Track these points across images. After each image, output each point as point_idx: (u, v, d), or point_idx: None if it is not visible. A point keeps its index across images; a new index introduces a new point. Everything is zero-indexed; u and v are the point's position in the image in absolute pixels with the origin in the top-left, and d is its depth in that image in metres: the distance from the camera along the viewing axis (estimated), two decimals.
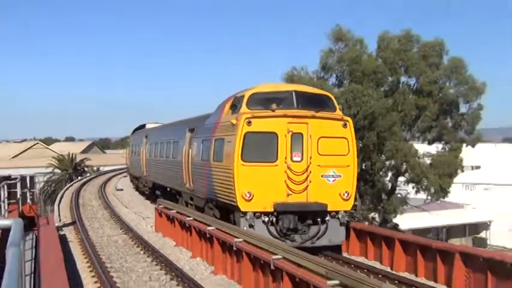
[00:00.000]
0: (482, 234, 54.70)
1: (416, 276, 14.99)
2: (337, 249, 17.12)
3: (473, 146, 42.96)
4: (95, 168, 70.22)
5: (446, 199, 44.38)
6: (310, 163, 15.90)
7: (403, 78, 37.10)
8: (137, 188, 38.66)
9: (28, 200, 24.95)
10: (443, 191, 36.79)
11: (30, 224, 21.46)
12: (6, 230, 5.07)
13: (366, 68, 34.02)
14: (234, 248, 14.41)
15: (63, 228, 22.86)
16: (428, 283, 14.14)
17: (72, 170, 65.35)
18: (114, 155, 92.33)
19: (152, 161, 30.49)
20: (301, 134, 15.93)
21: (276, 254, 12.45)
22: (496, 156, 65.08)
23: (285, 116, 15.92)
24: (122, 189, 41.58)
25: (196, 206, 20.78)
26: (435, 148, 36.85)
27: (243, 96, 17.05)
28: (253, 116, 15.82)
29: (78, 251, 18.64)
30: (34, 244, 16.85)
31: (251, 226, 15.45)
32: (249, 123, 15.61)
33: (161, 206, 23.45)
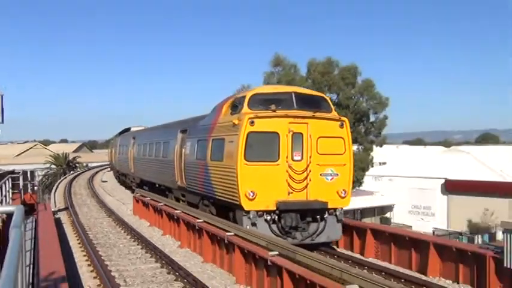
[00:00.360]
0: (387, 215, 55.72)
1: (338, 247, 15.19)
2: None
3: (380, 146, 44.23)
4: (84, 165, 69.07)
5: (360, 188, 45.28)
6: (310, 162, 13.36)
7: (327, 95, 37.84)
8: (123, 182, 36.07)
9: (29, 190, 24.19)
10: (358, 182, 37.64)
11: (30, 210, 20.92)
12: (10, 215, 4.89)
13: None
14: (196, 227, 14.33)
15: (58, 213, 22.36)
16: (346, 253, 14.35)
17: (65, 165, 63.90)
18: (100, 154, 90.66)
19: (140, 159, 27.13)
20: (301, 133, 13.38)
21: (229, 232, 12.43)
22: (397, 155, 66.56)
23: (286, 116, 13.31)
24: (106, 181, 40.99)
25: (189, 202, 17.97)
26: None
27: (244, 97, 14.17)
28: (256, 116, 13.14)
29: (70, 231, 18.29)
30: (34, 226, 16.39)
31: (253, 224, 12.86)
32: (252, 123, 12.99)
33: (138, 194, 23.24)
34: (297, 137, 13.35)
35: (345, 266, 8.83)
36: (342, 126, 13.74)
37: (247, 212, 12.90)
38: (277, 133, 13.23)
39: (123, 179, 35.65)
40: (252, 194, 12.84)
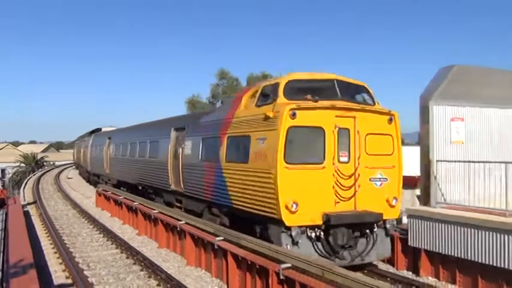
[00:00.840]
0: None
1: None
2: None
3: None
4: (51, 163, 66.59)
5: None
6: (359, 164, 9.60)
7: None
8: (96, 183, 29.75)
9: (0, 186, 22.96)
10: None
11: (1, 204, 20.06)
12: None
13: None
14: (152, 217, 14.07)
15: (27, 206, 21.45)
16: None
17: (34, 164, 61.22)
18: (66, 154, 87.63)
19: (119, 160, 22.30)
20: (347, 129, 9.59)
21: (181, 221, 12.26)
22: None
23: (333, 108, 9.43)
24: (71, 178, 39.81)
25: (188, 209, 13.65)
26: None
27: (277, 84, 9.97)
28: (298, 106, 9.12)
29: (38, 222, 17.59)
30: (4, 218, 15.60)
31: (295, 244, 8.98)
32: (294, 115, 9.02)
33: (100, 189, 22.63)
34: (343, 134, 9.59)
35: (280, 248, 8.89)
36: (390, 121, 10.02)
37: (288, 228, 8.98)
38: (322, 128, 9.39)
39: (95, 179, 29.62)
40: (295, 206, 8.92)
